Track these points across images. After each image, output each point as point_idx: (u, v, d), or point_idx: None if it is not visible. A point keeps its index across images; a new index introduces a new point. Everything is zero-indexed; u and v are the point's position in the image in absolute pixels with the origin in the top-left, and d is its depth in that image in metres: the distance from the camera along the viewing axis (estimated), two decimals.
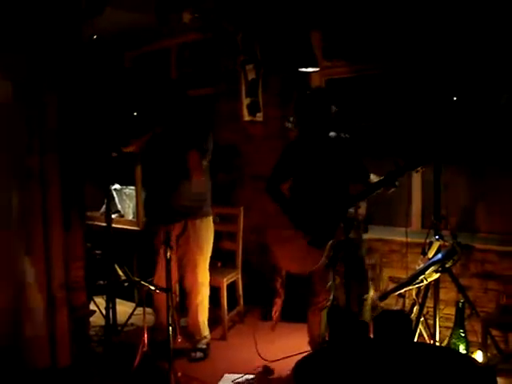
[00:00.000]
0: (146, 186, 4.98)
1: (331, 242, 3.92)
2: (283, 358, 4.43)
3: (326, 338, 4.25)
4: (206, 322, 4.74)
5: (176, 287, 4.69)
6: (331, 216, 3.90)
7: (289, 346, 4.66)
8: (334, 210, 3.89)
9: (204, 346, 4.67)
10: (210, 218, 4.69)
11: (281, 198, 4.18)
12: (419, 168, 3.78)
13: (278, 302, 5.36)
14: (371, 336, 3.14)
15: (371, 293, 4.16)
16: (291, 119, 4.20)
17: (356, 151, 4.15)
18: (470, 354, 3.86)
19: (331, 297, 4.16)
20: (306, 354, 4.16)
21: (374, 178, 4.12)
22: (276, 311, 5.34)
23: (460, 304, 3.85)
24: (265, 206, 4.60)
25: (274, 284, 5.33)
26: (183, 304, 4.85)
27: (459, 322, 3.83)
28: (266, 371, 4.34)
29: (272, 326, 5.18)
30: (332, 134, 4.14)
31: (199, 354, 4.62)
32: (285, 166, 4.19)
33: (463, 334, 3.77)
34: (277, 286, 5.35)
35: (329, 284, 4.10)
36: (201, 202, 4.59)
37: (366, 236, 5.09)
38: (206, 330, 4.73)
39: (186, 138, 4.41)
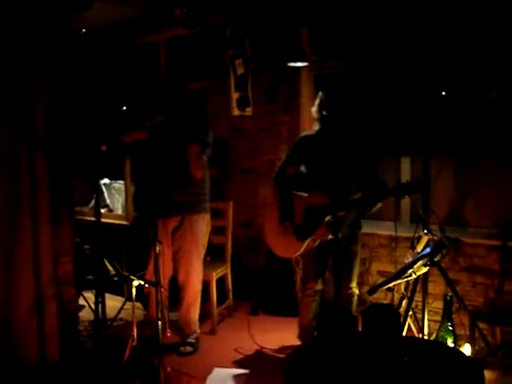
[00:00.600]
0: (139, 180, 4.94)
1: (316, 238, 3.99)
2: (274, 348, 4.46)
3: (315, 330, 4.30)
4: (197, 318, 4.74)
5: (165, 281, 4.68)
6: (318, 215, 3.93)
7: (278, 338, 4.67)
8: (323, 210, 3.92)
9: (193, 341, 4.67)
10: (208, 214, 4.69)
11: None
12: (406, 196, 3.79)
13: (298, 278, 5.38)
14: (359, 330, 3.15)
15: (353, 284, 4.16)
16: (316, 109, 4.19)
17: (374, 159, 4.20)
18: (457, 347, 3.88)
19: (319, 287, 4.21)
20: (295, 346, 4.24)
21: None
22: (299, 288, 5.36)
23: (448, 297, 3.87)
24: (254, 200, 4.61)
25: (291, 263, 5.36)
26: (173, 298, 4.85)
27: (447, 315, 3.85)
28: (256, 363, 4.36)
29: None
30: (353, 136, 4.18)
31: (188, 349, 4.62)
32: (297, 158, 4.19)
33: (451, 328, 3.79)
34: (293, 264, 5.38)
35: (316, 274, 4.17)
36: (199, 197, 4.58)
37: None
38: (196, 325, 4.73)
39: (186, 132, 4.41)
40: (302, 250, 4.01)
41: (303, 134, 4.36)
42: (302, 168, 4.18)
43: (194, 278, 4.63)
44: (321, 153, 4.11)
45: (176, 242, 4.57)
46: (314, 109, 4.17)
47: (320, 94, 4.18)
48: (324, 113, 4.09)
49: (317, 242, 4.04)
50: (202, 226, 4.60)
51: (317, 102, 4.16)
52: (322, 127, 4.15)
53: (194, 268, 4.61)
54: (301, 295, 4.33)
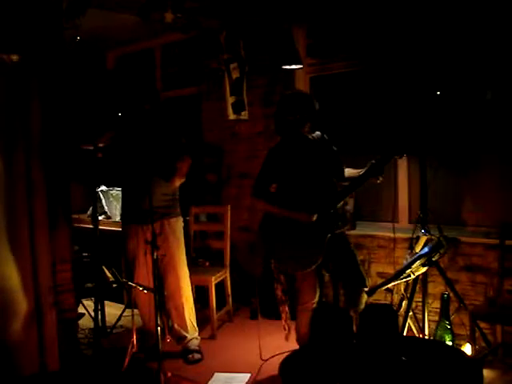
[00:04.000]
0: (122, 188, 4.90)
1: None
2: (275, 355, 4.44)
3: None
4: (195, 321, 4.71)
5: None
6: (322, 215, 3.89)
7: (279, 343, 4.65)
8: (323, 209, 3.88)
9: (197, 347, 4.64)
10: (181, 219, 4.70)
11: (272, 200, 4.12)
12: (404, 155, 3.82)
13: (284, 309, 5.27)
14: (356, 330, 3.14)
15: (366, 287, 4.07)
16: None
17: (332, 147, 4.14)
18: (455, 345, 3.87)
19: (317, 298, 4.13)
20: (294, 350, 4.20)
21: (349, 172, 4.12)
22: (285, 319, 5.28)
23: (445, 296, 3.87)
24: (252, 205, 4.59)
25: (275, 293, 5.27)
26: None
27: (445, 313, 3.85)
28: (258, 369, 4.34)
29: (286, 336, 5.05)
30: (317, 133, 4.12)
31: (196, 356, 4.57)
32: (270, 171, 4.11)
33: (449, 326, 3.79)
34: (278, 294, 5.27)
35: (315, 286, 4.10)
36: (174, 201, 4.60)
37: (353, 232, 5.12)
38: (195, 330, 4.70)
39: (159, 139, 4.45)
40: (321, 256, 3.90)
41: (271, 148, 4.23)
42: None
43: (185, 282, 4.60)
44: (295, 160, 4.03)
45: (160, 248, 4.23)
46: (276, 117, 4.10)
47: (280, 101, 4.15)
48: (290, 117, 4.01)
49: None
50: (180, 230, 4.62)
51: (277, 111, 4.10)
52: (288, 134, 4.06)
53: (182, 271, 4.59)
54: (300, 308, 4.21)
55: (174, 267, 4.55)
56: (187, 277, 4.65)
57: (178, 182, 4.51)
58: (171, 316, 4.67)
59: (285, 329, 4.89)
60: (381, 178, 3.90)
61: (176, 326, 4.64)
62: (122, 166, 4.62)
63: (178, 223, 4.61)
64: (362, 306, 4.03)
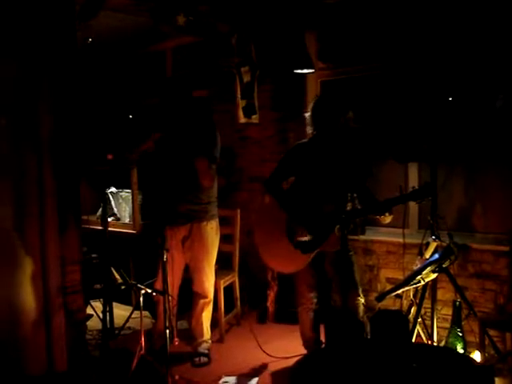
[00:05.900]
0: (147, 189, 4.92)
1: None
2: (283, 357, 4.45)
3: (319, 340, 4.26)
4: (209, 327, 4.73)
5: (175, 290, 4.66)
6: (323, 226, 3.89)
7: (287, 347, 4.65)
8: (327, 221, 3.88)
9: (206, 351, 4.65)
10: (217, 220, 4.66)
11: (281, 195, 4.17)
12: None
13: (271, 294, 5.39)
14: (367, 336, 3.13)
15: (361, 300, 4.05)
16: (308, 116, 4.13)
17: (368, 169, 4.12)
18: (467, 353, 3.85)
19: (315, 299, 4.18)
20: (302, 355, 4.21)
21: None
22: (270, 303, 5.36)
23: (457, 303, 3.86)
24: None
25: (265, 276, 5.35)
26: (182, 307, 4.84)
27: (456, 321, 3.84)
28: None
29: (269, 320, 5.16)
30: (361, 147, 4.12)
31: (203, 359, 4.58)
32: (290, 166, 4.17)
33: (460, 334, 3.77)
34: (268, 277, 5.37)
35: (312, 285, 4.15)
36: (207, 205, 4.55)
37: (362, 237, 5.12)
38: (208, 334, 4.72)
39: (194, 140, 4.38)
40: (307, 263, 3.95)
41: (297, 142, 4.30)
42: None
43: (206, 286, 4.62)
44: (316, 160, 4.05)
45: (187, 251, 4.55)
46: (308, 113, 4.10)
47: (315, 97, 4.17)
48: (316, 119, 4.03)
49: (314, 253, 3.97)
50: (211, 234, 4.57)
51: (310, 106, 4.10)
52: (317, 131, 4.07)
53: (206, 276, 4.61)
54: (299, 309, 4.27)
55: (198, 272, 4.59)
56: (212, 282, 4.68)
57: (206, 181, 4.40)
58: (190, 316, 4.72)
59: (269, 310, 4.98)
60: (389, 217, 3.81)
61: (192, 327, 4.70)
62: (157, 168, 4.64)
63: (209, 227, 4.55)
64: (361, 312, 4.03)
